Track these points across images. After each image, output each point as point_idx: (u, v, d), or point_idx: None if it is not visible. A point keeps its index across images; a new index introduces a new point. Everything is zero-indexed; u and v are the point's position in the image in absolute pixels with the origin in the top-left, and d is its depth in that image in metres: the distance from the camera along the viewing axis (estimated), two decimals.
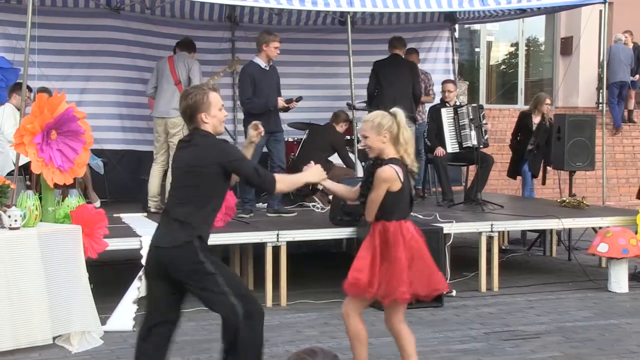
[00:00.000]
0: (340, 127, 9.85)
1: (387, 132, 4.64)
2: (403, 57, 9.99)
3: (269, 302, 7.21)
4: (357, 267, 4.79)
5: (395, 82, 9.63)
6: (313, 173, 4.66)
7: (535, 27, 19.23)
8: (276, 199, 8.59)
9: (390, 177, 4.63)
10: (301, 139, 10.22)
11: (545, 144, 10.42)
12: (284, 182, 4.56)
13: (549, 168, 10.68)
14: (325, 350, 2.45)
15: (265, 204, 8.94)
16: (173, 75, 8.73)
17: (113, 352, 5.79)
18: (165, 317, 4.51)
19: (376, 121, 4.65)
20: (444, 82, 10.14)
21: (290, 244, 7.43)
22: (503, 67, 19.86)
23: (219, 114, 4.36)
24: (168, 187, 8.47)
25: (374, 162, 4.76)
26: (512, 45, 19.43)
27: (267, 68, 8.47)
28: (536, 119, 10.52)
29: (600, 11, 18.08)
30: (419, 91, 10.06)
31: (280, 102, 8.42)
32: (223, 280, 4.34)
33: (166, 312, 4.50)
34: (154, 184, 8.72)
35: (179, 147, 4.48)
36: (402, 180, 4.67)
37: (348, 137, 9.90)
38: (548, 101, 10.58)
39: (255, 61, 8.45)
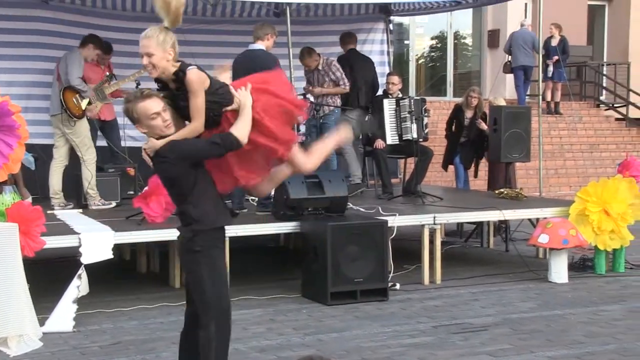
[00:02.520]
0: None
1: (172, 50, 4.14)
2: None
3: None
4: None
5: (363, 75, 10.13)
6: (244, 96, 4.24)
7: (463, 20, 19.46)
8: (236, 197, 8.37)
9: (201, 76, 4.15)
10: None
11: (478, 137, 10.50)
12: (239, 129, 4.17)
13: (482, 160, 10.79)
14: (325, 357, 2.34)
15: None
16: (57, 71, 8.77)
17: (54, 355, 5.55)
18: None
19: (161, 37, 4.10)
20: (389, 74, 10.14)
21: (233, 240, 7.27)
22: (432, 59, 20.03)
23: (152, 124, 4.10)
24: (84, 183, 8.36)
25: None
26: (440, 39, 19.62)
27: None
28: (468, 114, 10.60)
29: (526, 4, 18.52)
30: (377, 82, 10.47)
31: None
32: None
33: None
34: (54, 180, 8.48)
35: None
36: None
37: None
38: (474, 94, 10.63)
39: (263, 48, 8.23)
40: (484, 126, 10.37)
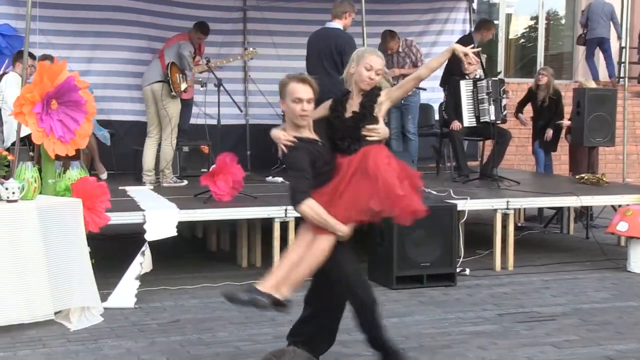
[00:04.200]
0: None
1: None
2: None
3: None
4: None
5: None
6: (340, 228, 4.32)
7: (556, 0, 18.87)
8: None
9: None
10: None
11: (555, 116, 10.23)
12: (311, 209, 4.27)
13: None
14: (298, 350, 2.24)
15: (279, 179, 8.77)
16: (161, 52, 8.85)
17: (112, 330, 5.60)
18: None
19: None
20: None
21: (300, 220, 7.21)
22: (522, 40, 19.49)
23: (292, 106, 4.28)
24: (162, 161, 8.42)
25: (370, 92, 4.42)
26: (531, 19, 19.07)
27: None
28: (540, 95, 10.29)
29: None
30: None
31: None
32: None
33: None
34: (147, 158, 8.53)
35: None
36: None
37: None
38: (543, 72, 10.29)
39: (341, 27, 8.17)
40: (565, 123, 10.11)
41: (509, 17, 18.94)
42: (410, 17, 11.22)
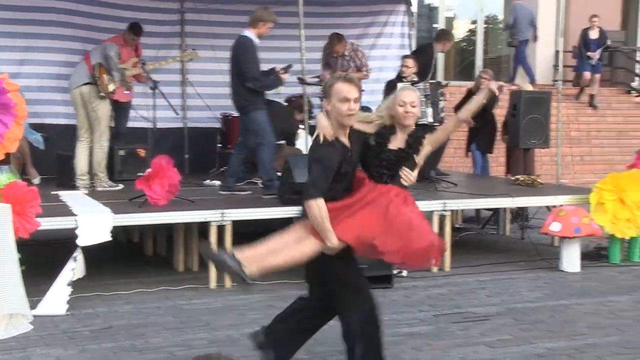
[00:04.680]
0: (300, 116, 9.50)
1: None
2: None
3: (212, 284, 6.96)
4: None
5: None
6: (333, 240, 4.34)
7: (494, 3, 19.11)
8: (231, 176, 8.32)
9: None
10: None
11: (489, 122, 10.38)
12: (318, 208, 4.28)
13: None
14: (223, 355, 2.22)
15: (218, 182, 8.71)
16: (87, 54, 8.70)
17: (42, 338, 5.48)
18: None
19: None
20: (404, 57, 9.91)
21: (240, 223, 7.18)
22: (462, 43, 19.72)
23: (338, 106, 4.31)
24: (95, 165, 8.29)
25: (416, 131, 4.58)
26: (472, 22, 19.30)
27: (259, 44, 8.12)
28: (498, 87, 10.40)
29: None
30: None
31: (284, 76, 8.10)
32: None
33: None
34: (80, 162, 8.39)
35: None
36: None
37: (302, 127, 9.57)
38: (485, 76, 10.45)
39: (249, 36, 8.08)
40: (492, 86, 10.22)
41: (448, 20, 19.15)
42: (349, 19, 11.24)
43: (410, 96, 4.54)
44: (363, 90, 9.67)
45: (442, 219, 7.75)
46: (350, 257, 4.48)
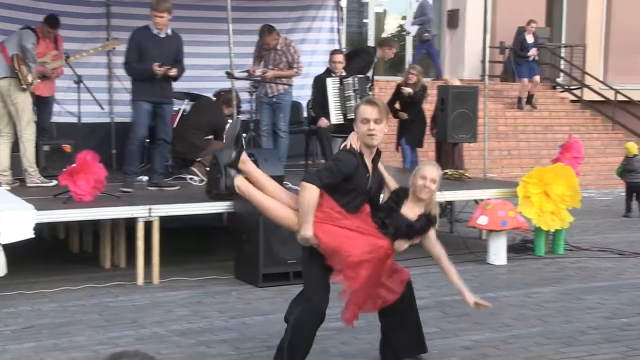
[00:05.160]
0: (229, 110, 9.39)
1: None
2: None
3: (140, 280, 6.87)
4: None
5: None
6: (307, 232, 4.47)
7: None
8: (157, 172, 8.20)
9: None
10: (180, 109, 9.85)
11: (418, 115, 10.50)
12: (309, 195, 4.41)
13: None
14: (140, 353, 2.17)
15: (146, 177, 8.57)
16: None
17: None
18: None
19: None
20: (333, 53, 9.90)
21: (167, 219, 7.10)
22: (392, 39, 19.83)
23: (360, 126, 4.48)
24: (23, 160, 8.07)
25: (428, 219, 4.73)
26: (402, 18, 19.43)
27: (162, 35, 7.94)
28: (407, 92, 10.55)
29: None
30: None
31: (156, 68, 7.94)
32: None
33: None
34: (1, 158, 8.17)
35: None
36: None
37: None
38: (413, 72, 10.58)
39: (149, 26, 7.96)
40: (405, 91, 10.37)
41: (378, 16, 19.25)
42: (279, 14, 11.18)
43: (431, 173, 4.70)
44: (292, 85, 9.80)
45: None
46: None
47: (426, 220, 4.70)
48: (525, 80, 16.02)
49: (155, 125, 8.11)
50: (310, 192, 4.39)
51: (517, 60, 16.39)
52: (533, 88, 16.27)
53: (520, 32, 16.20)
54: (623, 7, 19.27)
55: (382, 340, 5.00)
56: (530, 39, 16.12)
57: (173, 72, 7.96)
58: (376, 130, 4.46)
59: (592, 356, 5.14)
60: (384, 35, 19.09)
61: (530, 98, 16.28)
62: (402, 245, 4.70)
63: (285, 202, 4.61)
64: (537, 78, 16.23)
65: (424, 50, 16.53)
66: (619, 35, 19.28)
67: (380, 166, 4.74)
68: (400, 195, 4.75)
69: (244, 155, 4.66)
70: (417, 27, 16.50)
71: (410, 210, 4.69)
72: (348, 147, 4.54)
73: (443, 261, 4.81)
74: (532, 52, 16.02)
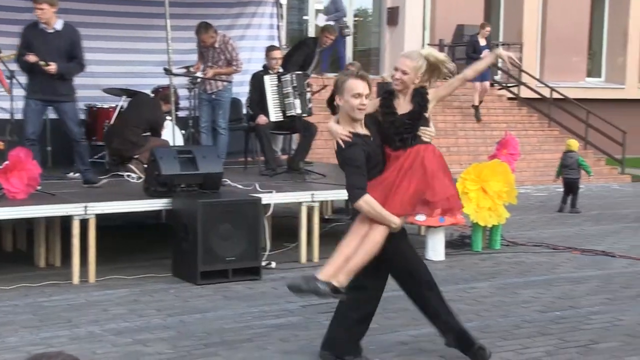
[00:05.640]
0: (167, 107, 9.27)
1: (420, 76, 4.70)
2: None
3: (75, 279, 6.76)
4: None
5: None
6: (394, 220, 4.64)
7: None
8: (81, 171, 8.07)
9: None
10: (117, 105, 9.72)
11: None
12: (368, 205, 4.57)
13: None
14: (66, 353, 2.13)
15: (78, 174, 8.42)
16: None
17: None
18: None
19: (419, 64, 4.67)
20: (271, 49, 9.85)
21: (103, 217, 6.99)
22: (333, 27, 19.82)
23: (351, 101, 4.53)
24: None
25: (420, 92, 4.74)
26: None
27: (49, 30, 7.69)
28: None
29: None
30: None
31: (29, 57, 7.58)
32: None
33: None
34: None
35: None
36: None
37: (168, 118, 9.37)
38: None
39: (39, 21, 7.76)
40: None
41: (319, 13, 19.25)
42: (217, 10, 11.09)
43: (401, 63, 4.72)
44: (231, 82, 9.74)
45: (310, 210, 7.78)
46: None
47: (418, 95, 4.72)
48: (478, 84, 16.05)
49: (63, 125, 7.96)
50: (367, 203, 4.54)
51: (469, 63, 16.49)
52: (483, 93, 16.33)
53: (475, 38, 16.29)
54: (559, 7, 19.65)
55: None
56: (483, 42, 16.23)
57: (51, 68, 7.58)
58: (367, 104, 4.60)
59: (527, 349, 5.22)
60: None
61: (476, 109, 16.31)
62: (428, 132, 4.73)
63: (362, 237, 4.63)
64: (486, 84, 16.29)
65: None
66: (554, 34, 19.66)
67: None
68: (387, 104, 4.76)
69: (326, 277, 4.62)
70: (333, 23, 16.51)
71: (406, 104, 4.74)
72: (341, 142, 4.59)
73: (465, 74, 4.99)
74: (485, 54, 16.13)
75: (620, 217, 11.13)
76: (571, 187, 11.33)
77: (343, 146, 4.59)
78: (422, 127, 4.72)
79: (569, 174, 11.28)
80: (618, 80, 20.92)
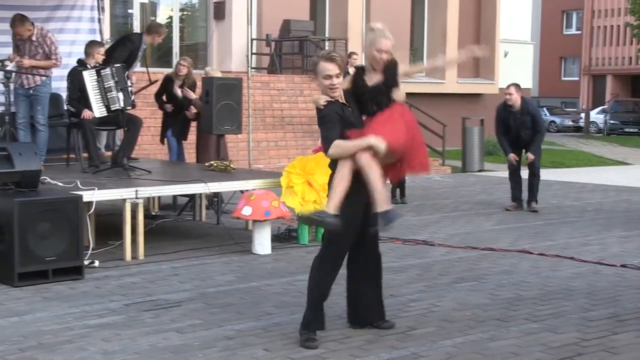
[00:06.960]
0: None
1: None
2: None
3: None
4: None
5: None
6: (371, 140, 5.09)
7: None
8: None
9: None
10: None
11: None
12: (337, 147, 5.06)
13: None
14: None
15: None
16: None
17: None
18: None
19: (342, 60, 5.21)
20: (93, 44, 9.58)
21: None
22: (160, 24, 19.54)
23: (323, 82, 5.03)
24: None
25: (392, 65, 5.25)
26: (170, 10, 19.23)
27: None
28: (177, 84, 10.52)
29: None
30: None
31: None
32: None
33: None
34: None
35: None
36: None
37: None
38: (183, 63, 10.66)
39: None
40: (178, 93, 10.37)
41: (143, 6, 18.94)
42: (34, 1, 10.68)
43: (381, 44, 5.18)
44: (49, 76, 9.38)
45: (134, 206, 7.63)
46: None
47: (390, 71, 5.20)
48: None
49: None
50: (336, 146, 5.01)
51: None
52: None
53: (287, 23, 16.49)
54: (382, 3, 20.23)
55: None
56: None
57: None
58: (337, 83, 5.04)
59: (348, 338, 5.34)
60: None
61: None
62: (399, 94, 5.25)
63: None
64: None
65: None
66: None
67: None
68: (357, 79, 5.23)
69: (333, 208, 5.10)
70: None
71: (378, 77, 5.21)
72: (320, 106, 5.06)
73: (429, 63, 5.72)
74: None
75: (440, 207, 11.61)
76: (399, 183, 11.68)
77: (322, 108, 5.06)
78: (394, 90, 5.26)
79: None
80: (438, 76, 21.81)
